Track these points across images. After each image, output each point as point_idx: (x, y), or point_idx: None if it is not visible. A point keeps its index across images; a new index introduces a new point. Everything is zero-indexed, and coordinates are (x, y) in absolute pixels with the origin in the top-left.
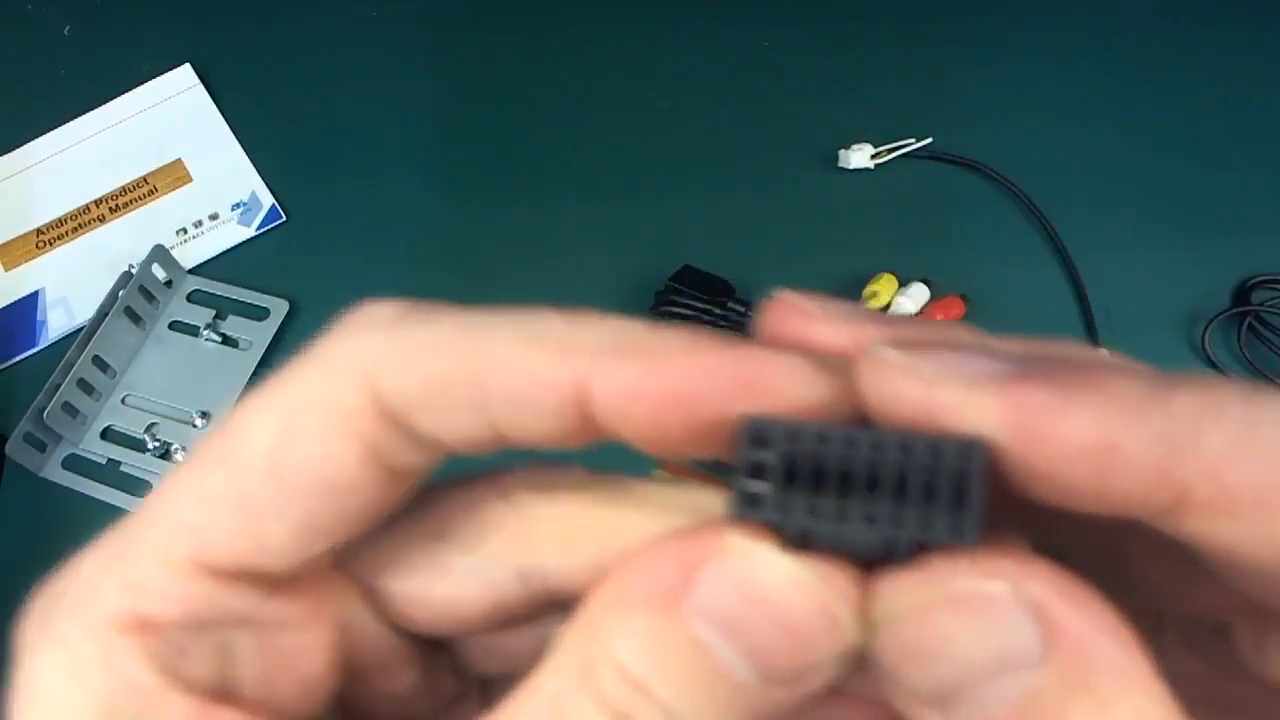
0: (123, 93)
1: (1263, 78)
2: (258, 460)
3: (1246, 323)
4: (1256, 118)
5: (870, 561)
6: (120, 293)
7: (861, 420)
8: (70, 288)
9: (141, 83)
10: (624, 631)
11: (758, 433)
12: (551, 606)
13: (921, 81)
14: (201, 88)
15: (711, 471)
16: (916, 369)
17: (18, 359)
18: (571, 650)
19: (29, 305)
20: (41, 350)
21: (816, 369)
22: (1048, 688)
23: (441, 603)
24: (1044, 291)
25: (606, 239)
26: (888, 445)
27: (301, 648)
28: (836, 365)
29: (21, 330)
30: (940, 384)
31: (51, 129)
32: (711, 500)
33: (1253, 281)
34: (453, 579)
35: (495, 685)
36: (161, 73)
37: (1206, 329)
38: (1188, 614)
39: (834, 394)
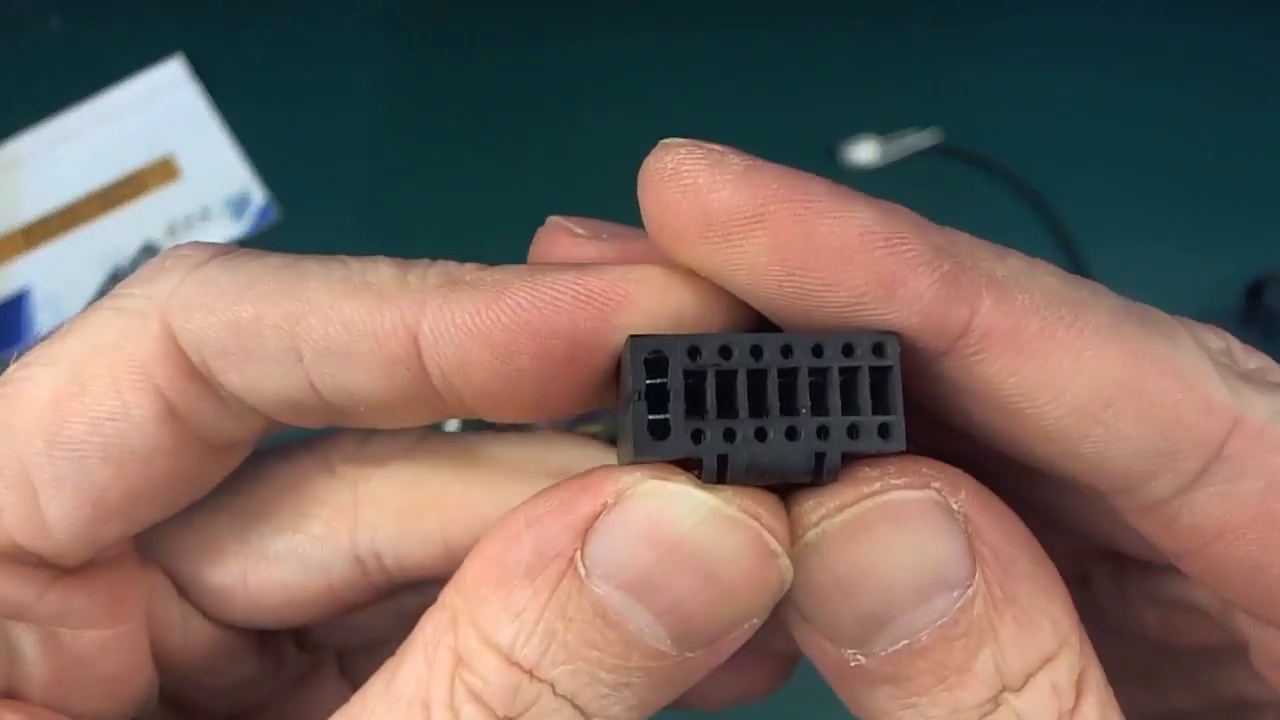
0: (112, 86)
1: (1278, 72)
2: (34, 419)
3: (1259, 322)
4: (1272, 114)
5: (783, 488)
6: (109, 290)
7: (750, 327)
8: (58, 285)
9: (131, 76)
10: (503, 609)
11: (651, 352)
12: (400, 588)
13: (925, 72)
14: (192, 81)
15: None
16: (704, 146)
17: (4, 357)
18: (436, 640)
19: (16, 303)
20: (28, 348)
21: (675, 274)
22: (977, 604)
23: (262, 593)
24: None
25: None
26: (797, 348)
27: (99, 646)
28: (695, 268)
29: (8, 328)
30: (727, 157)
31: (38, 124)
32: (584, 454)
33: (1267, 279)
34: (273, 565)
35: (356, 654)
36: (151, 65)
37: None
38: None
39: (702, 300)
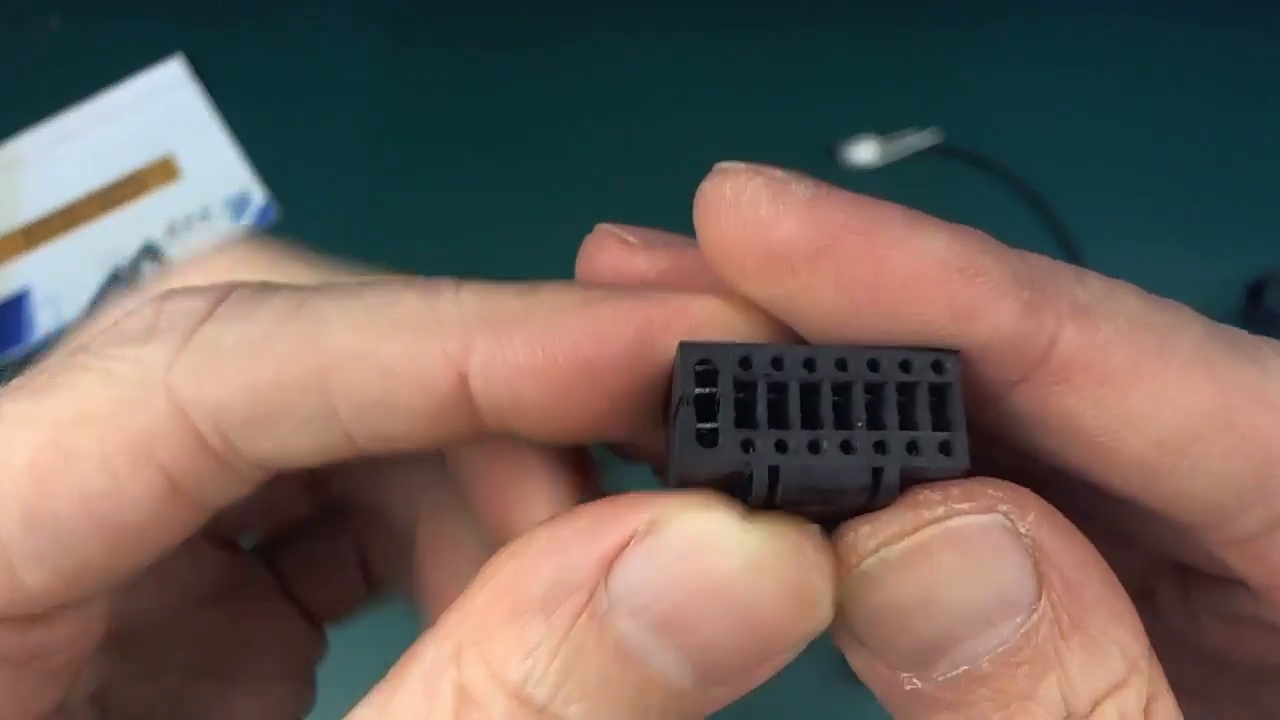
0: (112, 86)
1: (1278, 72)
2: (9, 487)
3: (1259, 322)
4: (1272, 114)
5: (837, 509)
6: (109, 291)
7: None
8: (58, 285)
9: (131, 76)
10: (515, 645)
11: (701, 361)
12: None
13: (925, 72)
14: (192, 81)
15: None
16: (765, 172)
17: (5, 358)
18: (439, 671)
19: (16, 303)
20: (29, 349)
21: (737, 306)
22: (1041, 629)
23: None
24: None
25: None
26: (853, 361)
27: (64, 662)
28: (756, 299)
29: (8, 328)
30: (790, 184)
31: (38, 123)
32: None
33: (1267, 279)
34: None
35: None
36: (151, 65)
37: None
38: None
39: (764, 332)
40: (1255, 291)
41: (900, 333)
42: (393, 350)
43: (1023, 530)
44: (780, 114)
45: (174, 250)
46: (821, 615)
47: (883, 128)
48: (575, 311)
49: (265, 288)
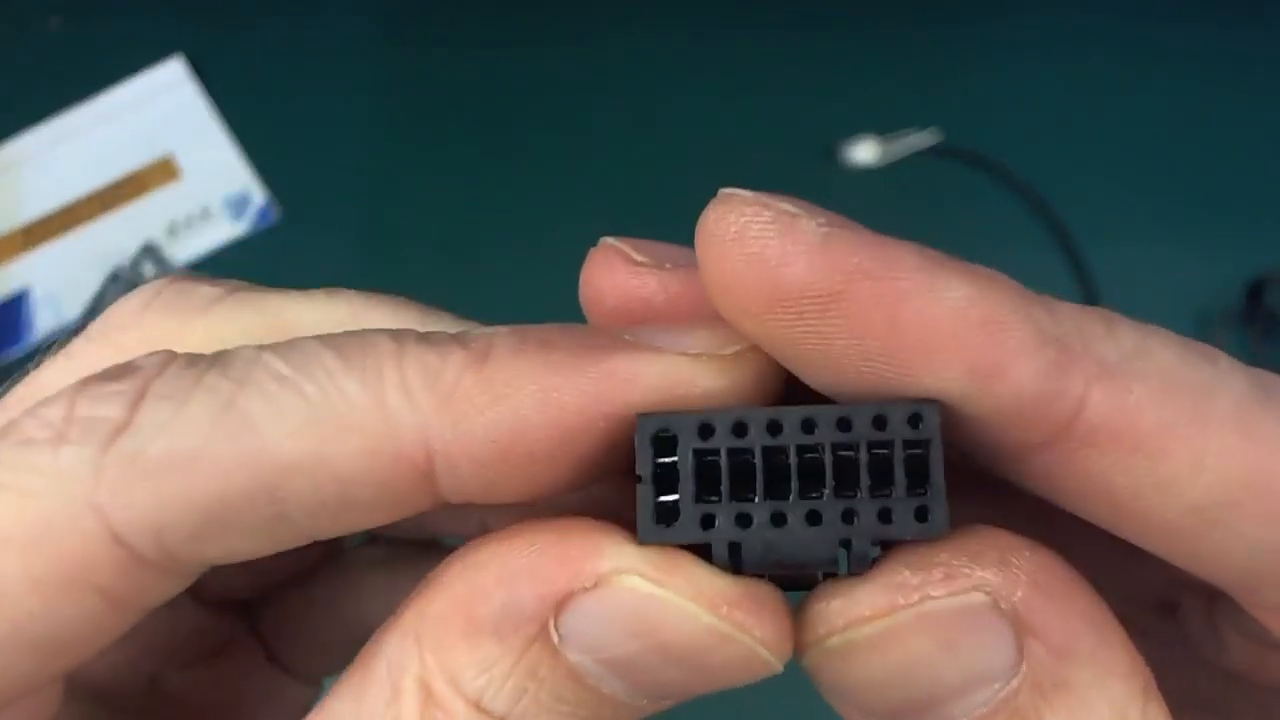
0: (112, 86)
1: (1278, 72)
2: None
3: (1260, 322)
4: (1272, 114)
5: (809, 573)
6: (109, 291)
7: (775, 401)
8: (58, 286)
9: (131, 76)
10: (470, 661)
11: (660, 432)
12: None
13: (925, 72)
14: (192, 81)
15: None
16: (772, 204)
17: (4, 358)
18: (401, 666)
19: (16, 303)
20: (28, 349)
21: (695, 360)
22: (1022, 694)
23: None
24: (1052, 289)
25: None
26: (821, 422)
27: None
28: (756, 340)
29: (8, 328)
30: (799, 221)
31: (38, 124)
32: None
33: (1267, 279)
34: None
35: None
36: (151, 65)
37: (1219, 327)
38: (1130, 593)
39: (727, 382)
40: (1255, 291)
41: (912, 387)
42: (344, 455)
43: (1004, 606)
44: (780, 114)
45: (174, 250)
46: (772, 671)
47: (883, 128)
48: (533, 390)
49: (183, 375)
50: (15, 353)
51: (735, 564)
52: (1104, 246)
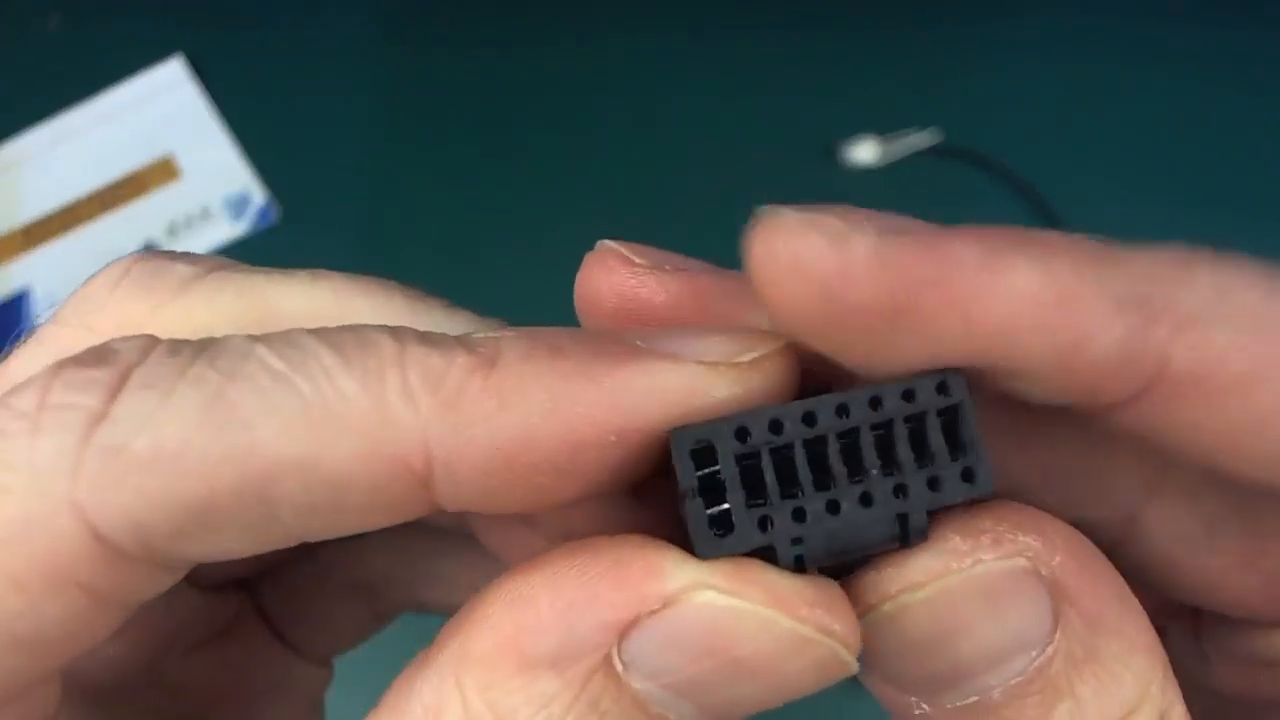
0: (112, 86)
1: (1278, 72)
2: None
3: None
4: (1273, 114)
5: (869, 555)
6: None
7: (798, 394)
8: (58, 285)
9: (131, 76)
10: (525, 699)
11: (696, 443)
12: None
13: (925, 72)
14: (192, 81)
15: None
16: (821, 224)
17: (4, 358)
18: (439, 711)
19: (16, 303)
20: None
21: (713, 369)
22: (1055, 662)
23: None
24: None
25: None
26: (854, 405)
27: None
28: (723, 345)
29: (8, 328)
30: (851, 238)
31: (38, 123)
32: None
33: None
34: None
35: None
36: (151, 65)
37: None
38: None
39: (744, 390)
40: None
41: (994, 377)
42: (339, 457)
43: (1044, 572)
44: (780, 114)
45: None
46: (848, 672)
47: (883, 128)
48: (543, 399)
49: (167, 363)
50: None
51: (799, 562)
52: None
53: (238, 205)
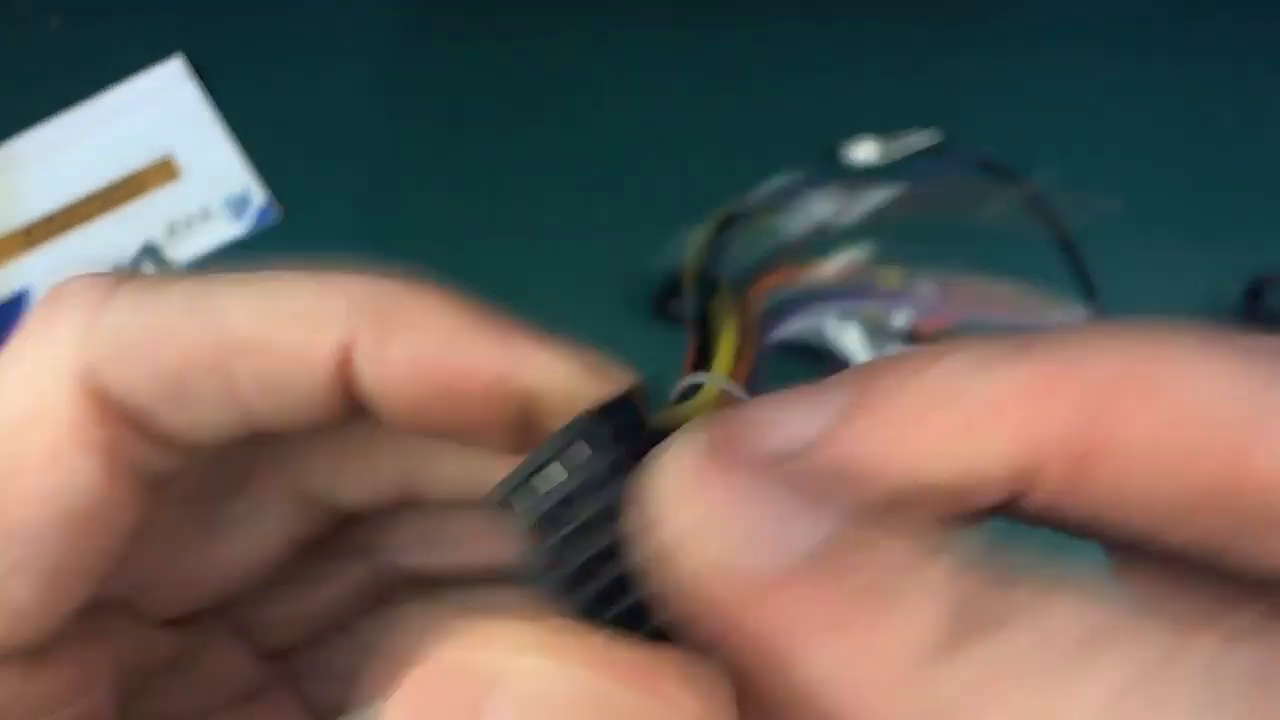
0: (112, 86)
1: (1278, 70)
2: None
3: (1259, 322)
4: (1273, 114)
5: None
6: None
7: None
8: None
9: (131, 76)
10: None
11: (504, 499)
12: (337, 529)
13: (925, 72)
14: (192, 81)
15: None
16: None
17: None
18: None
19: (16, 303)
20: None
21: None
22: None
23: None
24: (1053, 288)
25: (606, 240)
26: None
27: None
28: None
29: (8, 329)
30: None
31: (38, 123)
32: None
33: (1267, 279)
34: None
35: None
36: (151, 65)
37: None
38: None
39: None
40: (1255, 291)
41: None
42: (287, 340)
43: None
44: (780, 114)
45: (174, 250)
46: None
47: (883, 128)
48: (448, 327)
49: (155, 275)
50: None
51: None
52: (1104, 246)
53: (238, 205)
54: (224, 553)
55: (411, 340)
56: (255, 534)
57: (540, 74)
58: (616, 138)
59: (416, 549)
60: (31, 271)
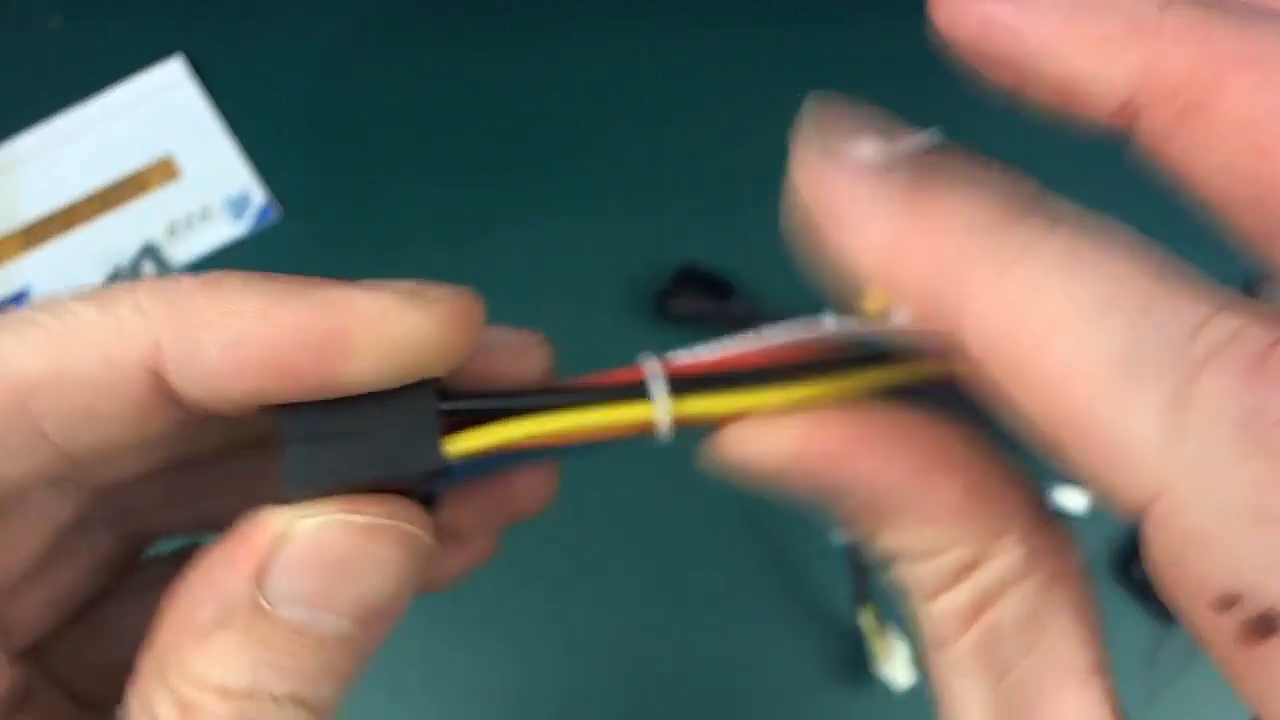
0: (112, 86)
1: None
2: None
3: None
4: None
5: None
6: None
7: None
8: (59, 286)
9: (131, 76)
10: (208, 660)
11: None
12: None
13: (925, 71)
14: (192, 81)
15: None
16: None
17: None
18: (149, 700)
19: (16, 303)
20: None
21: (404, 295)
22: None
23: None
24: None
25: (606, 239)
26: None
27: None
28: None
29: None
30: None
31: (38, 123)
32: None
33: (1264, 277)
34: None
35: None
36: (151, 65)
37: None
38: None
39: (433, 324)
40: (1251, 290)
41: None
42: (84, 365)
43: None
44: (780, 114)
45: (174, 250)
46: (428, 539)
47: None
48: (256, 306)
49: None
50: None
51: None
52: None
53: (238, 205)
54: None
55: (221, 328)
56: (17, 527)
57: (539, 75)
58: (618, 138)
59: (163, 508)
60: (31, 271)
